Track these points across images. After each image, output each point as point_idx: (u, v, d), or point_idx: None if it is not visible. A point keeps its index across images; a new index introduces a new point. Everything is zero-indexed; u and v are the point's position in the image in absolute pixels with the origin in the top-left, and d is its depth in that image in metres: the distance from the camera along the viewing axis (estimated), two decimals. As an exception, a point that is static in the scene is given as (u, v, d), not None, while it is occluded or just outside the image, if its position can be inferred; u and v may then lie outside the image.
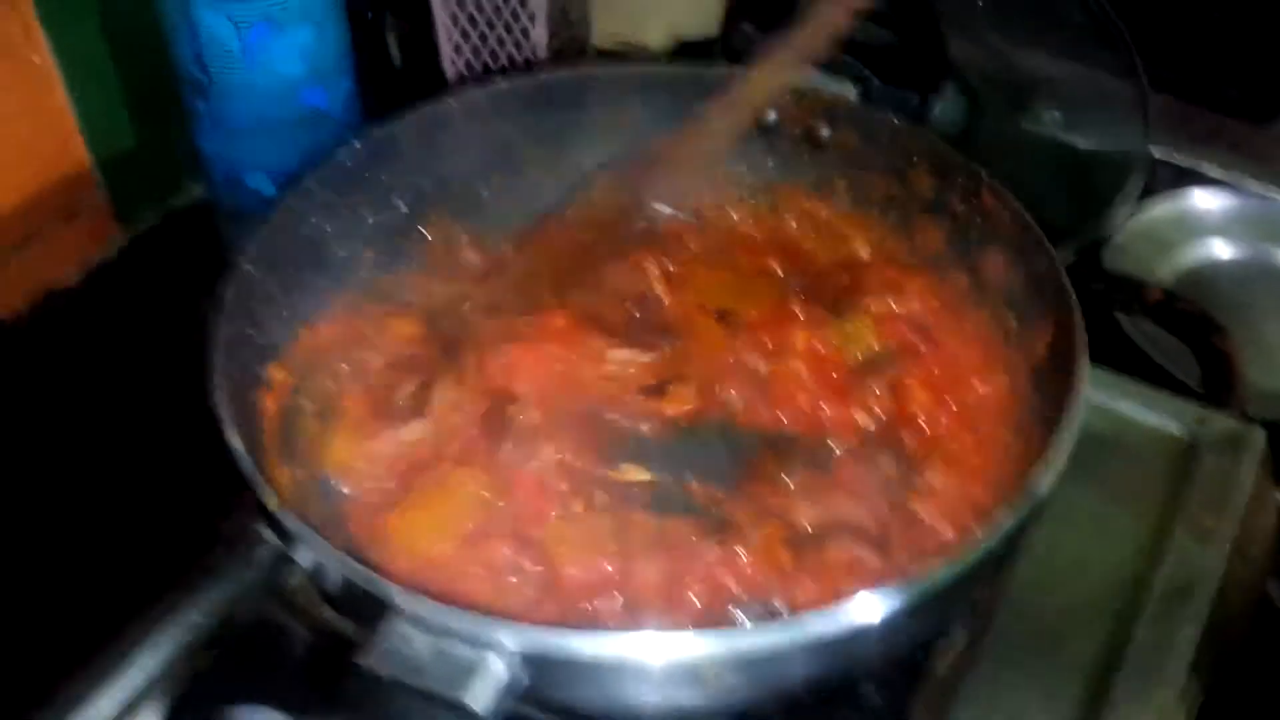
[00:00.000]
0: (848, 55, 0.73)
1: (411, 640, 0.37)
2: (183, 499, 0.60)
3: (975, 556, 0.42)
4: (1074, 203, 0.85)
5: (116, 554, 0.62)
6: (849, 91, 0.73)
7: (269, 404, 0.55)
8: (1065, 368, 0.50)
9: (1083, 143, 0.88)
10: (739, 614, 0.48)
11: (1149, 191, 0.86)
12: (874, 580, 0.46)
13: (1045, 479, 0.46)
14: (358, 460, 0.56)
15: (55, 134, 0.74)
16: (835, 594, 0.41)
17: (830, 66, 0.72)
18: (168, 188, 0.83)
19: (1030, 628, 0.55)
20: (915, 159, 0.64)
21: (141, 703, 0.47)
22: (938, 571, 0.41)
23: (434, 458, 0.55)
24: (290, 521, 0.42)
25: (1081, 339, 0.51)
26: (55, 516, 0.64)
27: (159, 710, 0.46)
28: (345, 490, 0.55)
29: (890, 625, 0.40)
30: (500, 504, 0.53)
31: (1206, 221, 0.90)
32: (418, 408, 0.56)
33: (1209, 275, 0.88)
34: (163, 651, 0.46)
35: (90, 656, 0.45)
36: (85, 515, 0.64)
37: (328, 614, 0.46)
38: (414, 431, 0.55)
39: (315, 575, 0.43)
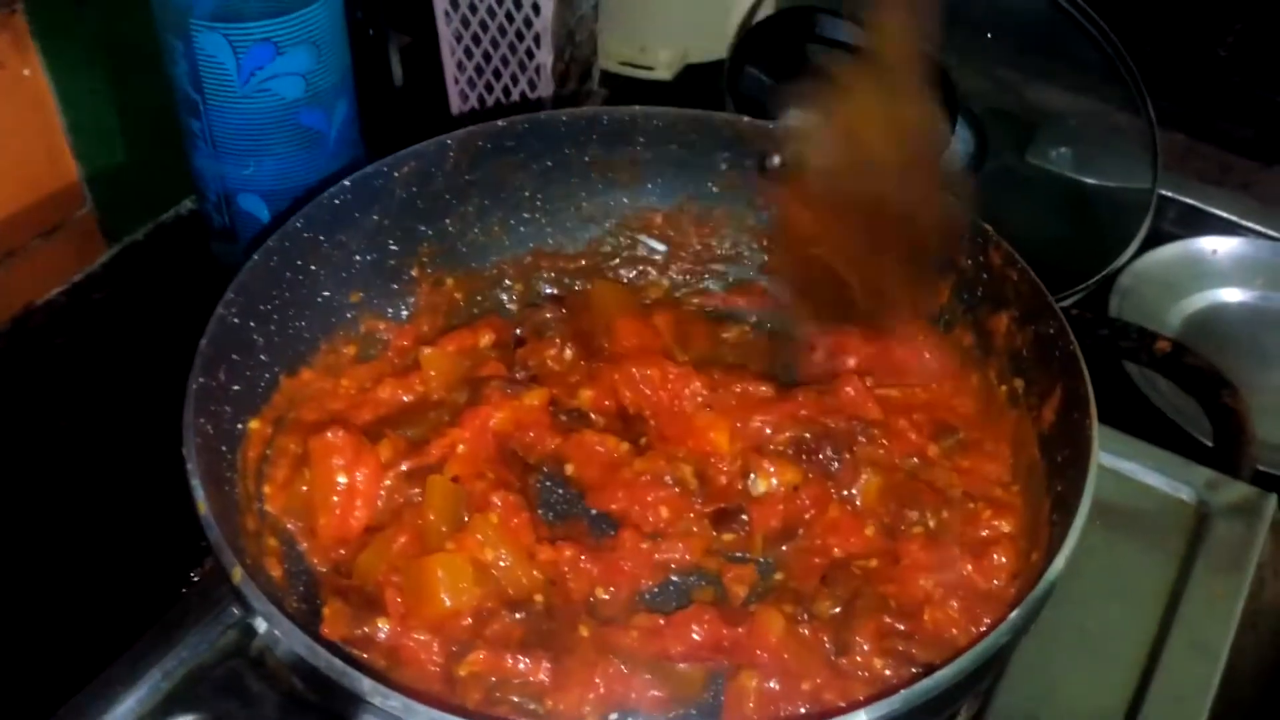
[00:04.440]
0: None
1: (382, 740, 0.36)
2: (160, 533, 0.59)
3: (981, 654, 0.41)
4: (1081, 241, 0.84)
5: (86, 592, 0.61)
6: (856, 139, 0.71)
7: (248, 454, 0.53)
8: (1074, 451, 0.48)
9: (1090, 180, 0.87)
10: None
11: (1156, 232, 0.84)
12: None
13: (1052, 573, 0.44)
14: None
15: (44, 148, 0.73)
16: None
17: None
18: (159, 204, 0.82)
19: (1033, 706, 0.54)
20: (922, 211, 0.62)
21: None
22: (942, 674, 0.40)
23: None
24: (259, 603, 0.40)
25: (1092, 418, 0.49)
26: (24, 544, 0.62)
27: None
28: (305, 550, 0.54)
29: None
30: None
31: (1215, 265, 0.89)
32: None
33: (1217, 320, 0.87)
34: (120, 716, 0.44)
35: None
36: (55, 545, 0.63)
37: (299, 683, 0.44)
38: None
39: (284, 657, 0.41)
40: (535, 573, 0.53)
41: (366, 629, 0.49)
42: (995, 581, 0.53)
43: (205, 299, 0.53)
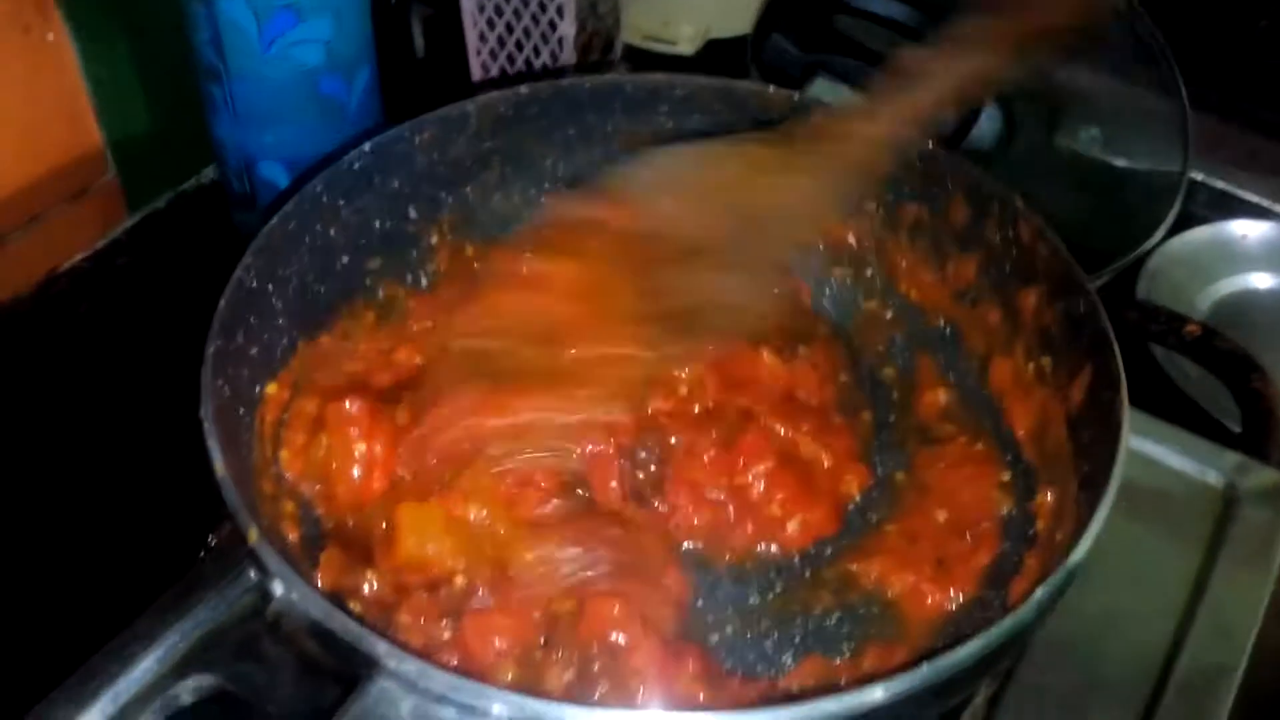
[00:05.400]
0: (882, 74, 0.70)
1: (395, 701, 0.36)
2: (179, 498, 0.58)
3: (1005, 632, 0.40)
4: (1108, 224, 0.82)
5: (107, 555, 0.61)
6: (883, 112, 0.70)
7: (266, 417, 0.53)
8: (1103, 430, 0.47)
9: (1120, 162, 0.86)
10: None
11: (1186, 216, 0.83)
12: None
13: (1079, 552, 0.43)
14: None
15: (67, 114, 0.73)
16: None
17: (864, 86, 0.69)
18: (181, 172, 0.83)
19: (1055, 687, 0.53)
20: (949, 185, 0.61)
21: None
22: (964, 651, 0.39)
23: None
24: (274, 564, 0.40)
25: (1122, 397, 0.48)
26: (46, 508, 0.63)
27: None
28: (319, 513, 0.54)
29: (908, 704, 0.38)
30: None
31: (1245, 250, 0.88)
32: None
33: (1247, 305, 0.86)
34: (138, 677, 0.45)
35: (62, 679, 0.44)
36: (76, 509, 0.63)
37: (313, 645, 0.44)
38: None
39: (299, 619, 0.41)
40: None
41: (354, 579, 0.49)
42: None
43: (226, 268, 0.53)
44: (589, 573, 0.50)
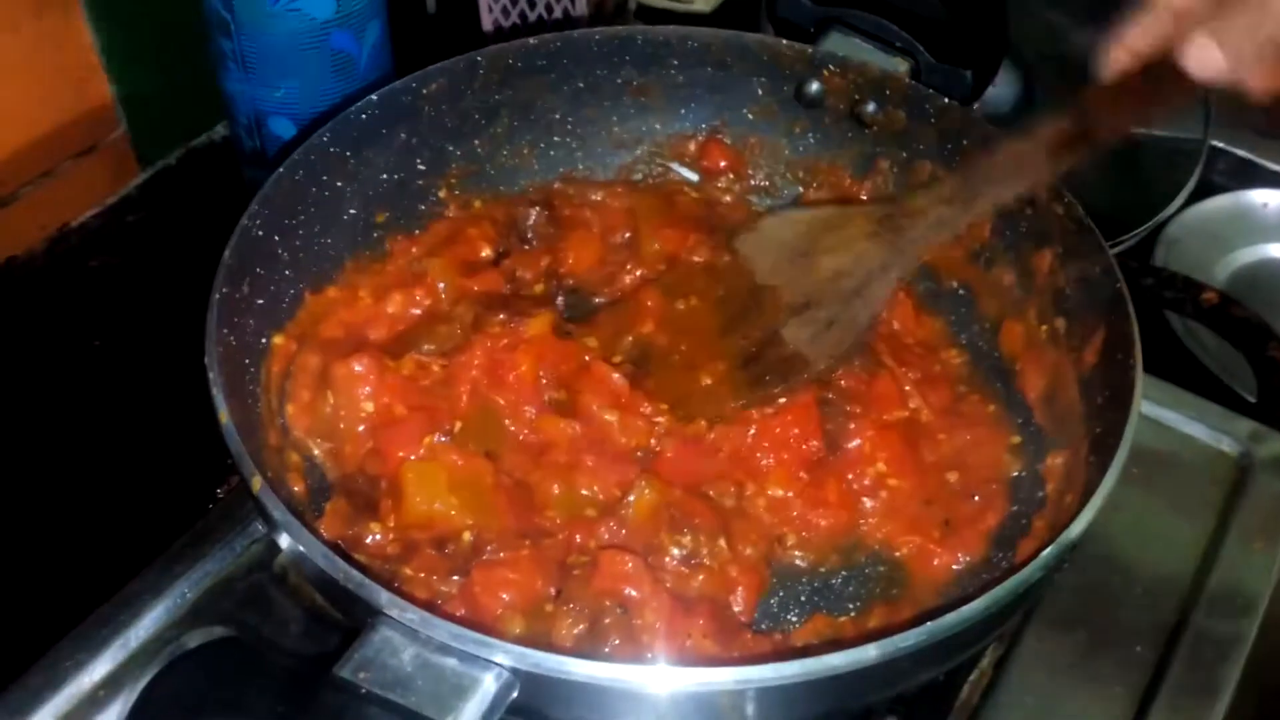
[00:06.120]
0: (899, 29, 0.69)
1: (398, 650, 0.35)
2: (188, 452, 0.59)
3: (1009, 592, 0.40)
4: (1127, 191, 0.81)
5: (116, 508, 0.61)
6: (898, 67, 0.68)
7: (272, 369, 0.53)
8: (1116, 392, 0.47)
9: (1139, 128, 0.84)
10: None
11: (1205, 184, 0.82)
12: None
13: (1087, 515, 0.43)
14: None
15: (77, 69, 0.73)
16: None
17: (880, 40, 0.68)
18: (191, 128, 0.82)
19: (1062, 652, 0.53)
20: (965, 143, 0.60)
21: (122, 677, 0.46)
22: (965, 611, 0.39)
23: None
24: (278, 512, 0.40)
25: (1136, 358, 0.48)
26: (58, 461, 0.63)
27: (139, 683, 0.45)
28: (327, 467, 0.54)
29: (911, 661, 0.38)
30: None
31: (1265, 219, 0.87)
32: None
33: (1265, 275, 0.85)
34: (147, 625, 0.45)
35: (71, 629, 0.44)
36: (87, 462, 0.63)
37: (317, 595, 0.44)
38: None
39: (303, 568, 0.41)
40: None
41: (358, 530, 0.49)
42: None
43: (237, 224, 0.52)
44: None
